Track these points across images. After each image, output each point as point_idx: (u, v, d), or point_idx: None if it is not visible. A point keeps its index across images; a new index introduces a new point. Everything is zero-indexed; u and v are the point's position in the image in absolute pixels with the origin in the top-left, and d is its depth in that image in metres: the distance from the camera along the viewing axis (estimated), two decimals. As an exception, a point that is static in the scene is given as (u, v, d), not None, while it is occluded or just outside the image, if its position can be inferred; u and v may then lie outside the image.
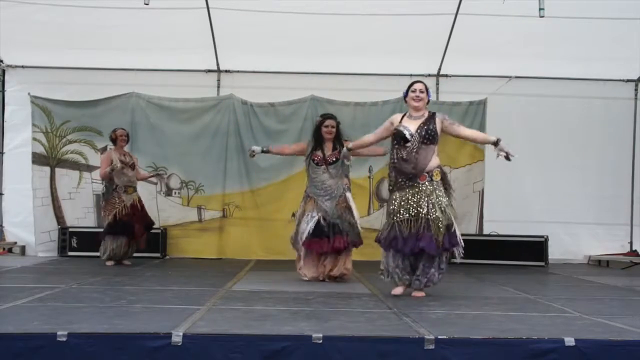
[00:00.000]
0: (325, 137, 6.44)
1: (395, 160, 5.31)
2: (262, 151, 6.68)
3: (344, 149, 6.01)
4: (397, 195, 5.29)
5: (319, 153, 6.41)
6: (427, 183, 5.23)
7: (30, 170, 9.05)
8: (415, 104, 5.37)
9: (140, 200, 7.99)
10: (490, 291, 6.03)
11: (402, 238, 5.19)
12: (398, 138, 5.29)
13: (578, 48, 8.63)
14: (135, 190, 7.93)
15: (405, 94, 5.48)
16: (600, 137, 9.37)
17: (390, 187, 5.42)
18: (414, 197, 5.21)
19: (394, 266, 5.31)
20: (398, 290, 5.35)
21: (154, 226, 8.35)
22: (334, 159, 6.36)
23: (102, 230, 7.88)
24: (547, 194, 9.25)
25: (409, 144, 5.24)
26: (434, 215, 5.14)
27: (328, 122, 6.47)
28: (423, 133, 5.26)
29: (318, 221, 6.24)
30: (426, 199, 5.18)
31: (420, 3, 7.98)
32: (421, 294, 5.28)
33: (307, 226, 6.27)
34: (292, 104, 9.14)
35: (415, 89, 5.39)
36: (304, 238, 6.28)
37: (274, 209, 8.99)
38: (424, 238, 5.12)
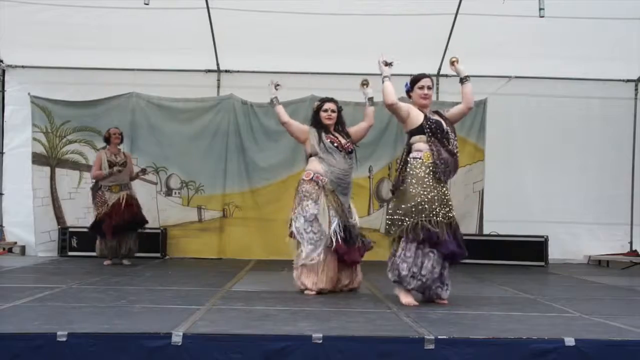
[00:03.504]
0: (326, 124, 5.51)
1: (444, 155, 4.76)
2: (271, 100, 5.62)
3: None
4: (435, 191, 4.74)
5: (334, 137, 5.46)
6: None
7: (30, 170, 9.05)
8: (424, 102, 4.94)
9: (130, 198, 7.72)
10: (490, 291, 6.03)
11: (449, 239, 4.72)
12: (440, 130, 4.81)
13: (578, 48, 8.64)
14: (122, 188, 7.70)
15: (409, 89, 5.01)
16: (600, 137, 9.36)
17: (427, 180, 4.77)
18: (445, 197, 4.81)
19: (420, 269, 4.74)
20: (411, 299, 4.81)
21: (154, 226, 8.29)
22: (350, 150, 5.51)
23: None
24: (547, 194, 9.25)
25: (451, 135, 4.83)
26: (455, 218, 4.84)
27: (327, 105, 5.53)
28: (452, 127, 4.92)
29: (340, 224, 5.31)
30: (448, 198, 4.85)
31: (420, 3, 7.99)
32: (445, 301, 4.92)
33: (334, 225, 5.27)
34: (292, 104, 9.09)
35: (424, 86, 4.92)
36: (332, 239, 5.24)
37: (274, 209, 8.96)
38: (456, 241, 4.78)
